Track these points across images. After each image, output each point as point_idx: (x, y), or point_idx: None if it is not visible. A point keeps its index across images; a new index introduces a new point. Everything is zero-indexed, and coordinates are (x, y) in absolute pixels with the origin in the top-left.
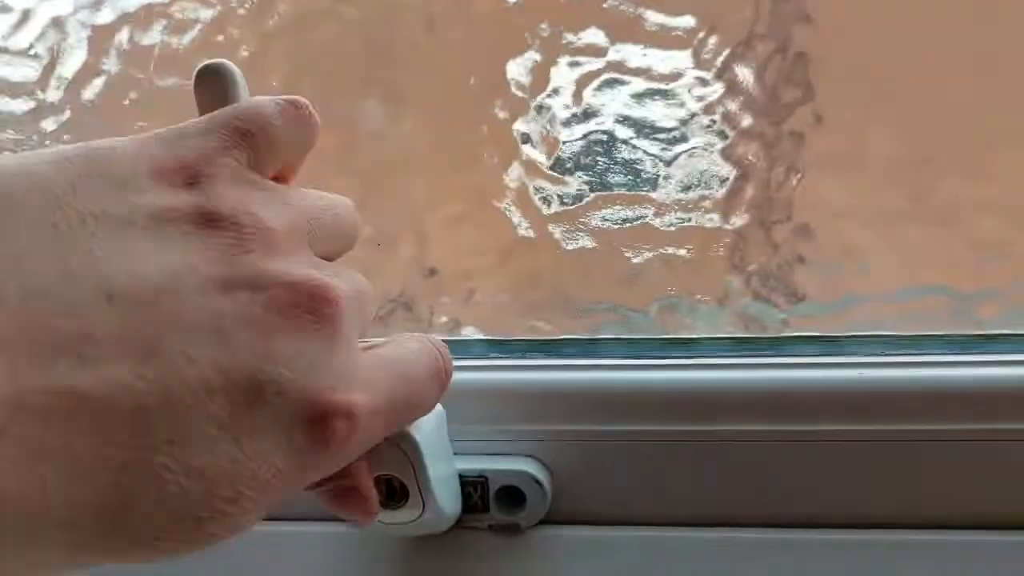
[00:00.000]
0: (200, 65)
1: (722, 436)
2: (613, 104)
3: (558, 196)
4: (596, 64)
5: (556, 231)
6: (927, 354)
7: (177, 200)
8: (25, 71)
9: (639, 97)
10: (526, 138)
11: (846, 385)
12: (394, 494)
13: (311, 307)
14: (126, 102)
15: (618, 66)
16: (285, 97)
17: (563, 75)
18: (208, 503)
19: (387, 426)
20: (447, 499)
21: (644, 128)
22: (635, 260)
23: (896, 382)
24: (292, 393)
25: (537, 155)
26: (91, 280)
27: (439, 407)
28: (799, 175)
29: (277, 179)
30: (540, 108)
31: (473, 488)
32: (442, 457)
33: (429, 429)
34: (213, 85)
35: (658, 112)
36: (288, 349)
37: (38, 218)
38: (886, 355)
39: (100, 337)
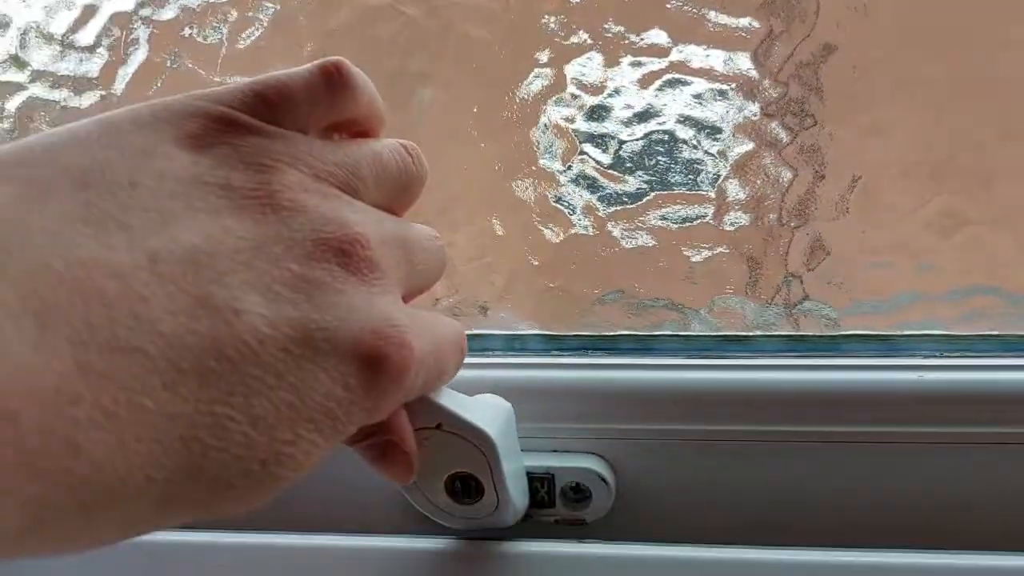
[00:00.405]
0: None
1: (778, 436)
2: (674, 104)
3: (617, 194)
4: (659, 64)
5: (615, 229)
6: (983, 355)
7: (202, 165)
8: (88, 66)
9: (699, 97)
10: (586, 137)
11: (905, 386)
12: (470, 490)
13: (343, 255)
14: None
15: (680, 66)
16: (319, 62)
17: (625, 75)
18: (272, 448)
19: (426, 381)
20: (517, 495)
21: (704, 128)
22: (694, 259)
23: (951, 384)
24: (340, 338)
25: (597, 154)
26: (132, 246)
27: (508, 405)
28: (859, 178)
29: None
30: (601, 108)
31: (540, 484)
32: (513, 454)
33: (502, 427)
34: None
35: (718, 112)
36: (329, 297)
37: (71, 195)
38: (942, 356)
39: (150, 296)
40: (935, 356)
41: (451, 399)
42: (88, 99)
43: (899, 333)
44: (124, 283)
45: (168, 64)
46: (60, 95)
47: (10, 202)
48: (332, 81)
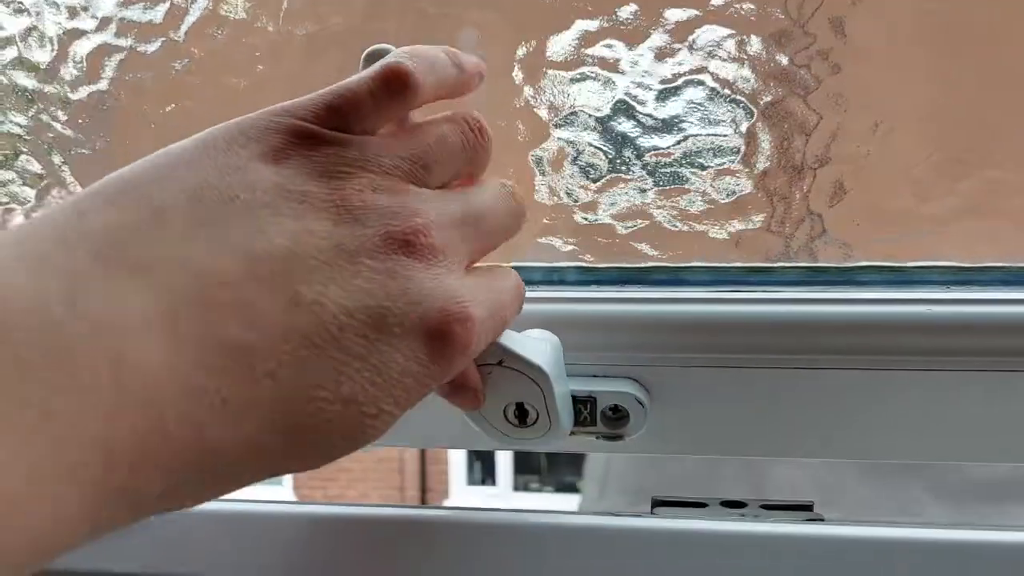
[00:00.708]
0: (367, 49)
1: (795, 362)
2: (708, 53)
3: (654, 137)
4: (695, 13)
5: (651, 169)
6: (989, 288)
7: (283, 176)
8: (153, 14)
9: (732, 46)
10: (627, 82)
11: (915, 317)
12: (526, 416)
13: (408, 245)
14: (256, 52)
15: (716, 15)
16: (380, 69)
17: (665, 22)
18: (359, 421)
19: (490, 338)
20: (566, 417)
21: (736, 75)
22: (723, 199)
23: (963, 316)
24: (411, 321)
25: (637, 97)
26: (236, 254)
27: (556, 339)
28: (880, 123)
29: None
30: (640, 55)
31: (583, 406)
32: (561, 381)
33: (553, 361)
34: None
35: (749, 60)
36: (399, 283)
37: (189, 212)
38: (950, 289)
39: (254, 299)
40: (943, 289)
41: (509, 339)
42: (153, 45)
43: (911, 265)
44: (233, 290)
45: (229, 16)
46: (126, 42)
47: (131, 222)
48: (392, 87)
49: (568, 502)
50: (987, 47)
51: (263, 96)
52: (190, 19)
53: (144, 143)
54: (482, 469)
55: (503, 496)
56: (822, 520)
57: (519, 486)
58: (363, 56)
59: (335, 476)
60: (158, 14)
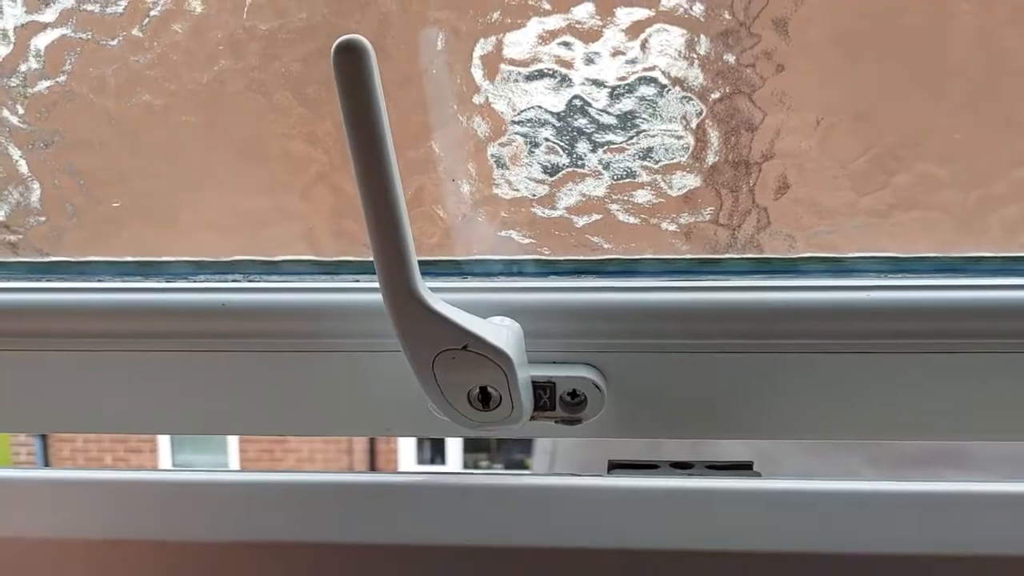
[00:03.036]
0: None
1: (743, 347)
2: (659, 51)
3: (607, 133)
4: (647, 13)
5: (605, 164)
6: (924, 276)
7: None
8: (115, 7)
9: (681, 45)
10: (581, 79)
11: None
12: (489, 400)
13: None
14: (218, 47)
15: (666, 16)
16: None
17: (616, 22)
18: None
19: None
20: (527, 401)
21: (685, 74)
22: (673, 191)
23: (899, 302)
24: None
25: (590, 95)
26: None
27: (518, 326)
28: (821, 119)
29: None
30: (594, 53)
31: (543, 391)
32: (522, 367)
33: (515, 346)
34: (351, 60)
35: (697, 59)
36: None
37: None
38: (889, 276)
39: None
40: (881, 277)
41: (474, 323)
42: (114, 39)
43: (850, 255)
44: None
45: (192, 10)
46: (87, 35)
47: None
48: None
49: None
50: (920, 48)
51: (225, 91)
52: (152, 13)
53: (104, 138)
54: (431, 448)
55: None
56: (760, 476)
57: (468, 464)
58: (333, 49)
59: (282, 457)
60: (119, 7)
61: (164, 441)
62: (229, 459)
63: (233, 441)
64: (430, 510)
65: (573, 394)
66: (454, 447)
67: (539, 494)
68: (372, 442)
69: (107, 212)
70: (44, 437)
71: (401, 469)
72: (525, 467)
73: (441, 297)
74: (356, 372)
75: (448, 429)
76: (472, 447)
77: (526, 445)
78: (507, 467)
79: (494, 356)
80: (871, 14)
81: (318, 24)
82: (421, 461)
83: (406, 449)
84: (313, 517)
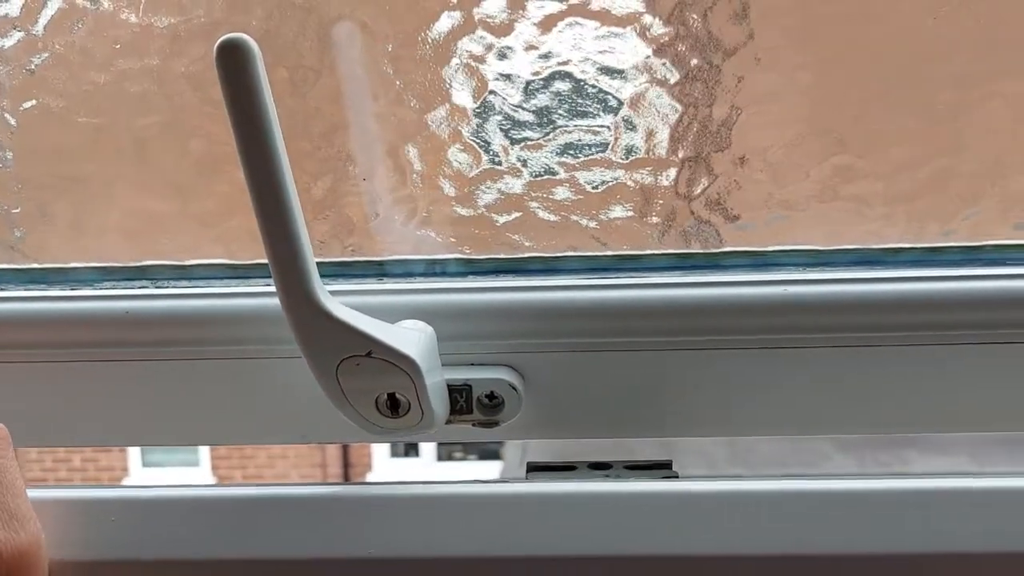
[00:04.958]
0: (220, 40)
1: (665, 345)
2: (574, 45)
3: (524, 130)
4: (559, 7)
5: (523, 161)
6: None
7: None
8: (8, 8)
9: (597, 39)
10: (495, 75)
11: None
12: (398, 407)
13: None
14: (116, 45)
15: (579, 9)
16: None
17: (529, 15)
18: None
19: None
20: (439, 406)
21: (602, 68)
22: (593, 187)
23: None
24: None
25: (510, 92)
26: None
27: (430, 328)
28: (740, 110)
29: None
30: (507, 48)
31: (459, 394)
32: (434, 371)
33: (425, 350)
34: (235, 59)
35: (614, 52)
36: None
37: None
38: (806, 270)
39: None
40: (801, 271)
41: (378, 329)
42: (10, 40)
43: (770, 249)
44: None
45: (89, 6)
46: None
47: None
48: None
49: (492, 470)
50: (839, 41)
51: (123, 91)
52: (48, 12)
53: (3, 141)
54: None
55: (427, 467)
56: (677, 477)
57: (443, 456)
58: (215, 48)
59: (254, 454)
60: (14, 7)
61: None
62: (200, 458)
63: None
64: (332, 523)
65: (491, 396)
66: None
67: (450, 502)
68: None
69: (10, 218)
70: None
71: (375, 463)
72: (499, 457)
73: (356, 300)
74: (270, 379)
75: (367, 435)
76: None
77: None
78: (481, 458)
79: (400, 362)
80: (787, 5)
81: (218, 20)
82: (395, 455)
83: (380, 444)
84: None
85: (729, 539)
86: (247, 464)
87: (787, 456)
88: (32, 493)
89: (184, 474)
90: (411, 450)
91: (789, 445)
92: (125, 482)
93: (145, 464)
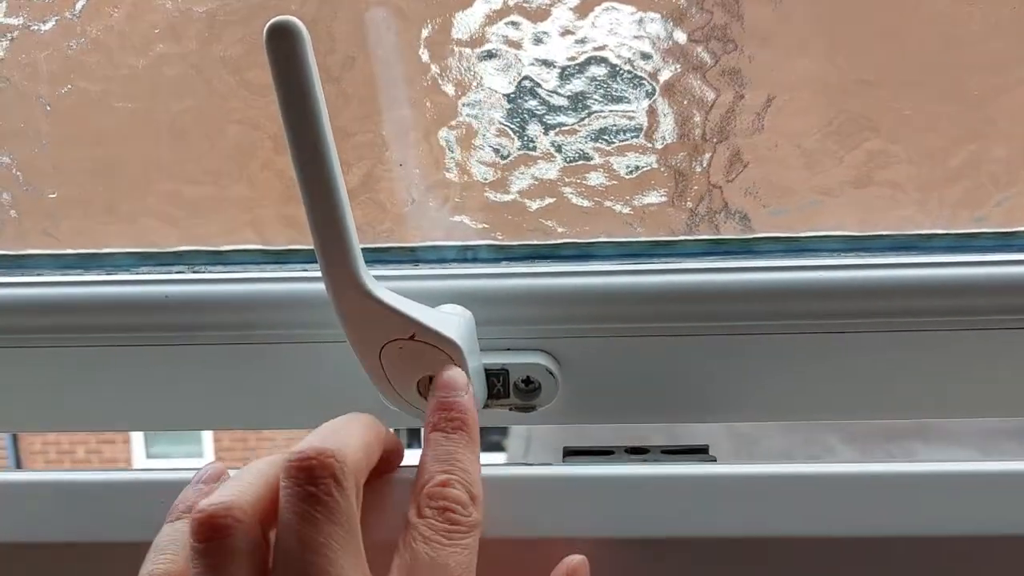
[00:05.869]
0: (269, 23)
1: (699, 330)
2: (610, 31)
3: (559, 115)
4: None
5: (555, 148)
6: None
7: None
8: None
9: (632, 24)
10: (530, 60)
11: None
12: None
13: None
14: (155, 30)
15: None
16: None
17: (565, 2)
18: None
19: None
20: (479, 390)
21: (637, 53)
22: (627, 173)
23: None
24: None
25: (545, 77)
26: None
27: (469, 313)
28: (773, 97)
29: None
30: (543, 33)
31: (496, 378)
32: (473, 355)
33: (465, 334)
34: (286, 41)
35: (649, 38)
36: None
37: None
38: (845, 255)
39: None
40: (835, 256)
41: (422, 312)
42: (47, 24)
43: (804, 235)
44: None
45: None
46: (18, 20)
47: None
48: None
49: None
50: (873, 26)
51: (162, 76)
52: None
53: (39, 126)
54: (408, 433)
55: None
56: (715, 460)
57: None
58: (265, 30)
59: (257, 446)
60: None
61: (138, 432)
62: (204, 449)
63: (207, 431)
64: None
65: (527, 381)
66: None
67: (490, 484)
68: None
69: (46, 204)
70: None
71: None
72: (502, 449)
73: (392, 285)
74: (305, 364)
75: (401, 421)
76: None
77: (502, 428)
78: (485, 450)
79: (443, 345)
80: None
81: (256, 5)
82: (410, 447)
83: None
84: None
85: (767, 521)
86: (250, 457)
87: (797, 449)
88: None
89: (189, 465)
90: (415, 442)
91: (800, 439)
92: None
93: (149, 456)
